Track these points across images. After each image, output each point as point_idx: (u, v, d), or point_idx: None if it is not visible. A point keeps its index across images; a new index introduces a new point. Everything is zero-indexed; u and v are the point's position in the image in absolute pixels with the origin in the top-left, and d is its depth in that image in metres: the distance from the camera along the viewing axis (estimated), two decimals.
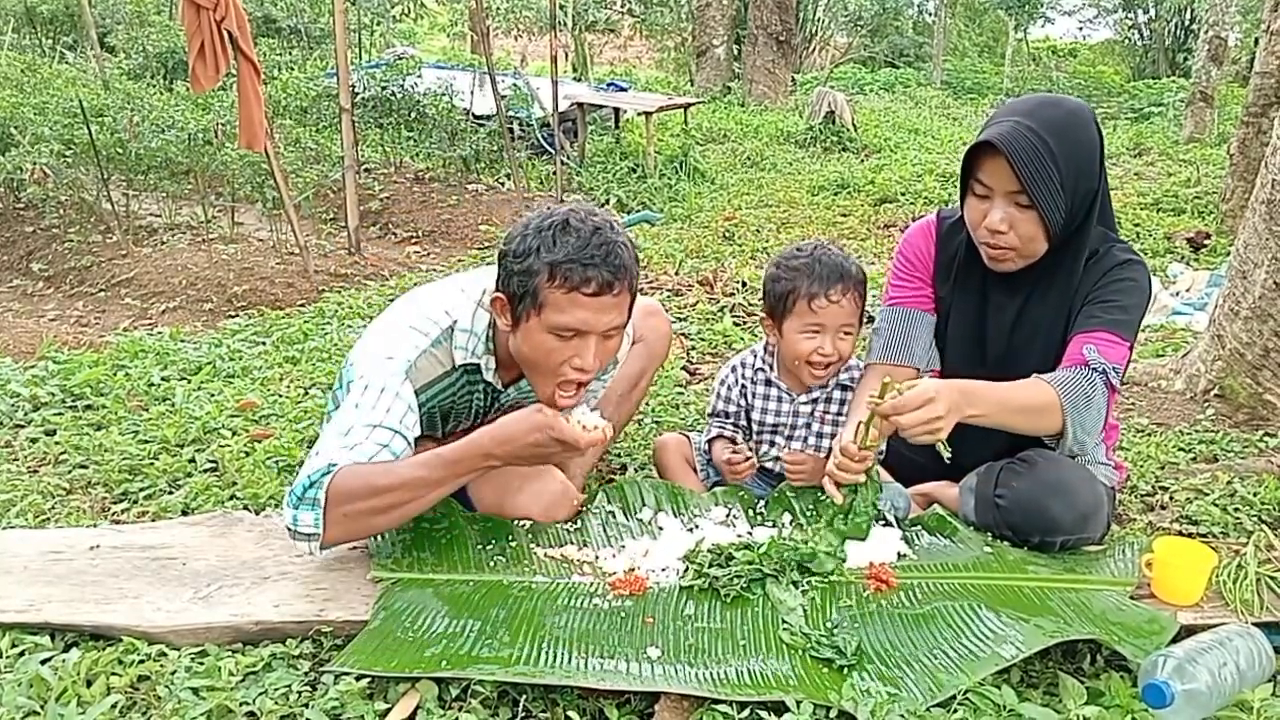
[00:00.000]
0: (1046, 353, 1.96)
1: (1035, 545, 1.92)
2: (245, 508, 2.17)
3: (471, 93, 8.24)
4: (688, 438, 2.38)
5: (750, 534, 1.97)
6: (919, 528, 2.02)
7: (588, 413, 1.81)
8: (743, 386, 2.26)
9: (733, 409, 2.27)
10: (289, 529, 1.71)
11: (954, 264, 2.06)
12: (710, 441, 2.29)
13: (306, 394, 2.94)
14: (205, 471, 2.40)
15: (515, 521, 1.99)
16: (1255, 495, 2.31)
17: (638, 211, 6.91)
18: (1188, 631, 1.67)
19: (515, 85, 8.64)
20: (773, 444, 2.24)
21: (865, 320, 2.21)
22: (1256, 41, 6.04)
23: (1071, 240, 1.89)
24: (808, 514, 2.05)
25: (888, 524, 2.02)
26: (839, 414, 2.20)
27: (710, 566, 1.80)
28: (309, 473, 1.70)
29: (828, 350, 2.09)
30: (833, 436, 2.14)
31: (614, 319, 1.79)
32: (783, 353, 2.18)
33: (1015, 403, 1.80)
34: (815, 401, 2.22)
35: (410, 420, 1.80)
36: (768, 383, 2.24)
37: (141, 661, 1.57)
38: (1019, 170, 1.76)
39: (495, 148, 7.68)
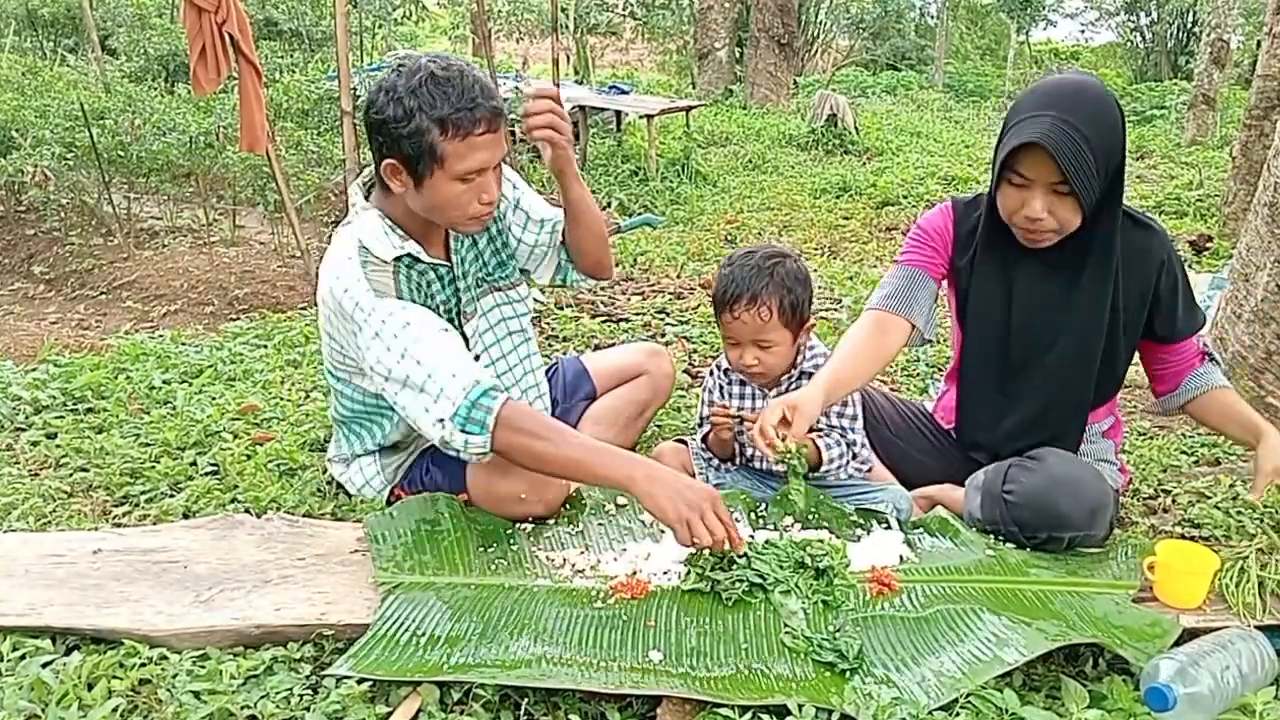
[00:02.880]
0: (1088, 328, 2.01)
1: (1042, 542, 1.93)
2: (247, 511, 2.16)
3: None
4: (685, 444, 2.38)
5: (752, 537, 1.96)
6: (921, 530, 2.03)
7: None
8: (721, 387, 2.29)
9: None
10: (456, 450, 1.84)
11: (974, 237, 2.09)
12: (704, 439, 2.29)
13: (308, 397, 2.94)
14: (206, 475, 2.40)
15: (517, 525, 1.99)
16: None
17: (640, 214, 6.91)
18: (1190, 635, 1.67)
19: (517, 88, 8.63)
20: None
21: (809, 329, 2.17)
22: (1258, 44, 6.03)
23: (1102, 211, 1.94)
24: (811, 517, 2.05)
25: (889, 527, 2.02)
26: None
27: (712, 570, 1.80)
28: (454, 396, 1.80)
29: (748, 361, 2.12)
30: None
31: (502, 148, 1.91)
32: None
33: None
34: (784, 394, 2.20)
35: (415, 302, 1.92)
36: (741, 382, 2.26)
37: (143, 665, 1.57)
38: (1063, 164, 1.81)
39: None
